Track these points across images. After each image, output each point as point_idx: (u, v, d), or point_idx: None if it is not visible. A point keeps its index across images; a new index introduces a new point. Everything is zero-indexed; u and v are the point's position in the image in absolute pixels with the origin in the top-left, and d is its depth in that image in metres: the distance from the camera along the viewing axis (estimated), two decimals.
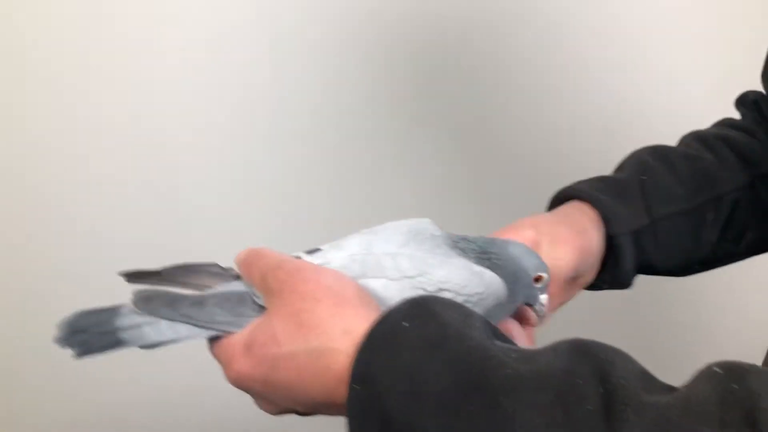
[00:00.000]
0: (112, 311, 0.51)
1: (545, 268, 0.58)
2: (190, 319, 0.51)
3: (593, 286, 0.70)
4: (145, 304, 0.51)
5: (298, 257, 0.54)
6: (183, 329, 0.51)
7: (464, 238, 0.56)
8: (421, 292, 0.50)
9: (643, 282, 0.72)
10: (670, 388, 0.38)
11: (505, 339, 0.45)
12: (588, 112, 1.21)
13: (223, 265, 0.56)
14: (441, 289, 0.51)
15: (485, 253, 0.55)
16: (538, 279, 0.57)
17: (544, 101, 1.21)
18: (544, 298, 0.59)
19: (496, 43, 1.18)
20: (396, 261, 0.52)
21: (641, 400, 0.36)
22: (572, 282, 0.67)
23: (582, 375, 0.38)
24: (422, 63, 1.17)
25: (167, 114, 1.10)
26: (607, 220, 0.67)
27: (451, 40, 1.16)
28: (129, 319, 0.50)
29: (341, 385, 0.44)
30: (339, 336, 0.45)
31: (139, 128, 1.09)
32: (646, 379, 0.38)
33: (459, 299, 0.50)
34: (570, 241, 0.64)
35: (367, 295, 0.49)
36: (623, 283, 0.69)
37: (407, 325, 0.43)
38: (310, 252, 0.54)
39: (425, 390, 0.39)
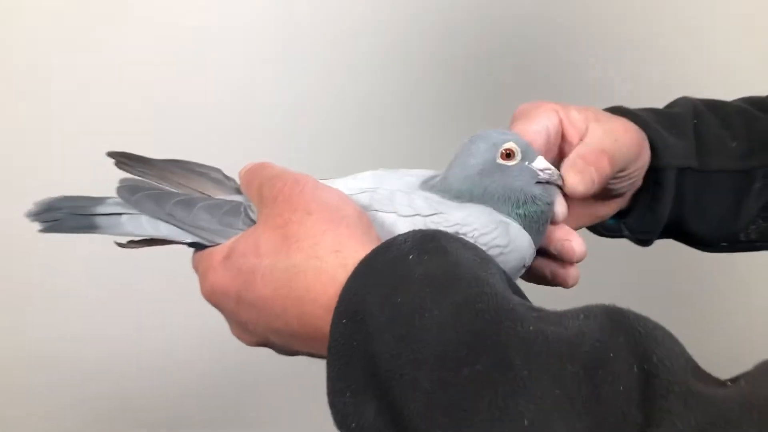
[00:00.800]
0: (97, 200, 0.47)
1: (506, 137, 0.47)
2: (173, 218, 0.46)
3: (612, 231, 0.61)
4: (129, 193, 0.46)
5: None
6: (164, 228, 0.46)
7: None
8: None
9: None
10: (722, 382, 0.31)
11: (525, 297, 0.38)
12: (627, 90, 1.12)
13: (227, 174, 0.51)
14: (457, 233, 0.44)
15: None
16: (508, 154, 0.47)
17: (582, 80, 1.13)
18: (540, 162, 0.48)
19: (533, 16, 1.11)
20: (410, 198, 0.46)
21: (690, 389, 0.29)
22: (602, 199, 0.57)
23: (615, 348, 0.31)
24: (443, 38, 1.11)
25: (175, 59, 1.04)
26: (653, 148, 0.57)
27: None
28: (110, 209, 0.47)
29: (323, 313, 0.38)
30: (327, 254, 0.39)
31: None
32: (694, 365, 0.31)
33: None
34: (629, 130, 0.53)
35: (368, 221, 0.42)
36: (649, 231, 0.60)
37: (413, 258, 0.36)
38: (323, 180, 0.50)
39: (425, 337, 0.33)
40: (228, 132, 1.05)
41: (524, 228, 0.47)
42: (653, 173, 0.58)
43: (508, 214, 0.46)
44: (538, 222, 0.47)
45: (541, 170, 0.48)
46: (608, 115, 0.56)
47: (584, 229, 0.60)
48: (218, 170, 0.50)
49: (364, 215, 0.43)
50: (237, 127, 1.06)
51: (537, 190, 0.48)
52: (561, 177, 0.49)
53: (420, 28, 1.08)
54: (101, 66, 1.00)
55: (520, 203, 0.47)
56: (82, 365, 1.11)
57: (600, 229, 0.61)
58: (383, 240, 0.40)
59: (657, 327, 0.33)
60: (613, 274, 1.10)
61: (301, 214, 0.41)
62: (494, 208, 0.46)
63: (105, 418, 1.13)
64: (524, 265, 0.47)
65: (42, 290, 1.06)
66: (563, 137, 0.53)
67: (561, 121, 0.53)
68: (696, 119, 0.60)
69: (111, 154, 0.48)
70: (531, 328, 0.32)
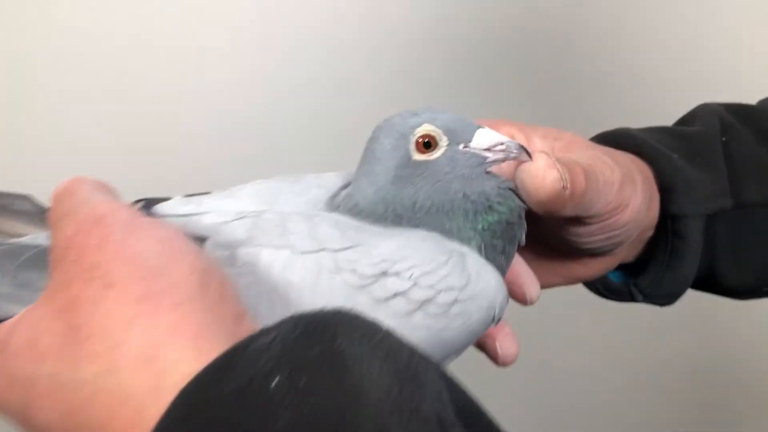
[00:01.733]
0: None
1: (416, 119, 0.33)
2: None
3: (619, 295, 0.46)
4: None
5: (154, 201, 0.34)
6: None
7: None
8: (348, 280, 0.30)
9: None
10: None
11: (481, 420, 0.23)
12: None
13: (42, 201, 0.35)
14: (384, 274, 0.30)
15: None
16: (427, 143, 0.33)
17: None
18: (482, 137, 0.33)
19: None
20: (312, 223, 0.31)
21: None
22: (576, 255, 0.42)
23: None
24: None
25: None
26: (670, 190, 0.42)
27: None
28: None
29: None
30: (131, 365, 0.23)
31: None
32: None
33: (416, 299, 0.30)
34: (614, 171, 0.39)
35: (220, 288, 0.26)
36: (671, 294, 0.45)
37: (278, 384, 0.20)
38: (191, 196, 0.35)
39: None
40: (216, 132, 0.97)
41: (485, 255, 0.33)
42: (672, 221, 0.42)
43: (461, 239, 0.33)
44: (501, 239, 0.33)
45: (489, 149, 0.33)
46: (590, 145, 0.41)
47: (580, 286, 0.45)
48: (25, 197, 0.34)
49: (215, 277, 0.26)
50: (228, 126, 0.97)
51: (487, 183, 0.34)
52: (524, 149, 0.34)
53: (417, 25, 0.99)
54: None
55: (470, 214, 0.33)
56: None
57: (601, 289, 0.46)
58: (264, 314, 0.26)
59: None
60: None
61: (97, 286, 0.24)
62: (438, 232, 0.33)
63: None
64: (493, 318, 0.33)
65: None
66: None
67: None
68: (724, 136, 0.45)
69: None
70: None
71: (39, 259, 0.30)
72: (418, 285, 0.30)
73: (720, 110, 0.47)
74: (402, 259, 0.30)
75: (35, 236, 0.33)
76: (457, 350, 0.32)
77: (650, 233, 0.43)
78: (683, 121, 0.49)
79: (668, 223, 0.42)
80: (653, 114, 0.52)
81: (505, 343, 0.37)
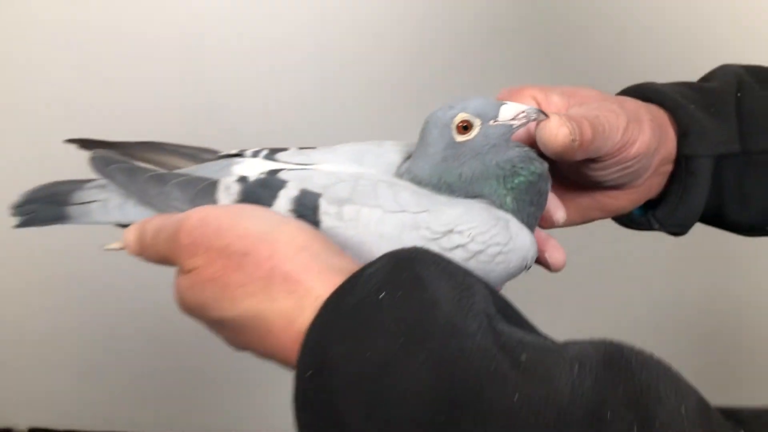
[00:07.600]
0: (78, 184, 0.46)
1: (453, 111, 0.43)
2: (144, 195, 0.43)
3: (640, 224, 0.55)
4: (102, 165, 0.45)
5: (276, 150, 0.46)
6: (132, 211, 0.44)
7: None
8: (424, 234, 0.41)
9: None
10: None
11: (515, 315, 0.35)
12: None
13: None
14: (451, 231, 0.41)
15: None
16: (465, 127, 0.42)
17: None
18: (506, 110, 0.42)
19: None
20: (394, 191, 0.42)
21: None
22: (601, 188, 0.50)
23: (613, 404, 0.29)
24: None
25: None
26: (685, 134, 0.50)
27: None
28: (85, 194, 0.45)
29: (289, 354, 0.34)
30: (281, 296, 0.35)
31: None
32: (707, 418, 0.29)
33: (472, 250, 0.41)
34: (620, 115, 0.46)
35: (320, 239, 0.38)
36: (682, 224, 0.53)
37: (384, 297, 0.32)
38: (302, 149, 0.47)
39: (398, 398, 0.31)
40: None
41: (517, 209, 0.43)
42: (685, 161, 0.51)
43: (499, 198, 0.43)
44: (528, 193, 0.43)
45: (513, 118, 0.43)
46: (602, 97, 0.49)
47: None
48: (189, 146, 0.48)
49: (313, 236, 0.37)
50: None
51: (513, 152, 0.43)
52: (541, 112, 0.43)
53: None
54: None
55: (500, 178, 0.43)
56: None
57: (625, 221, 0.55)
58: (362, 255, 0.37)
59: (661, 376, 0.30)
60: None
61: (237, 257, 0.36)
62: (480, 195, 0.43)
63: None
64: (526, 266, 0.44)
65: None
66: None
67: (539, 107, 0.47)
68: (740, 92, 0.53)
69: (70, 141, 0.47)
70: (515, 398, 0.29)
71: (209, 190, 0.42)
72: (474, 241, 0.41)
73: (738, 70, 0.55)
74: (464, 222, 0.41)
75: (194, 168, 0.46)
76: (498, 285, 0.43)
77: (669, 168, 0.51)
78: (705, 79, 0.56)
79: (683, 163, 0.51)
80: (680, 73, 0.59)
81: (553, 254, 0.46)
